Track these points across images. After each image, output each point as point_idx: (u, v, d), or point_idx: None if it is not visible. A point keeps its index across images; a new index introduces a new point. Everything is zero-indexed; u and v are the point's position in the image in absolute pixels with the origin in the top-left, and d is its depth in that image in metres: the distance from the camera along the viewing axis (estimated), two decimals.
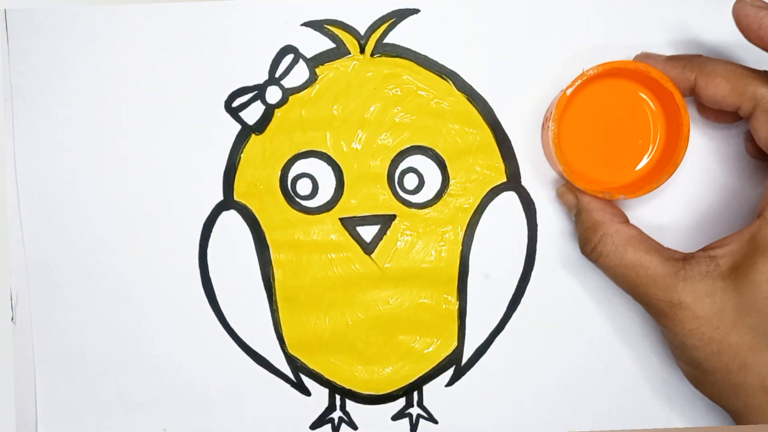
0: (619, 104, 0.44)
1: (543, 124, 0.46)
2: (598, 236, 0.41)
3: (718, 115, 0.44)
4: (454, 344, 0.48)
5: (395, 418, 0.48)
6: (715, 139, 0.46)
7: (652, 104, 0.44)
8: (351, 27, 0.47)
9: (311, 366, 0.48)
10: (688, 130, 0.41)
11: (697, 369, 0.39)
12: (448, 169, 0.47)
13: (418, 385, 0.48)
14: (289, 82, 0.47)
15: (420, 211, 0.47)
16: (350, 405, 0.48)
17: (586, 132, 0.44)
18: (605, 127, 0.44)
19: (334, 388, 0.48)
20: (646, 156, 0.44)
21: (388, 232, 0.47)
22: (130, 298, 0.48)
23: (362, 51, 0.47)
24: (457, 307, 0.47)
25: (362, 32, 0.47)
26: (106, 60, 0.47)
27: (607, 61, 0.42)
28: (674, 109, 0.42)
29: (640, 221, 0.46)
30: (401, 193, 0.47)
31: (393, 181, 0.47)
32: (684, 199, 0.46)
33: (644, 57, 0.43)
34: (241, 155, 0.47)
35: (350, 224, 0.47)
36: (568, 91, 0.42)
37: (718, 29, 0.45)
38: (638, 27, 0.46)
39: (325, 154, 0.47)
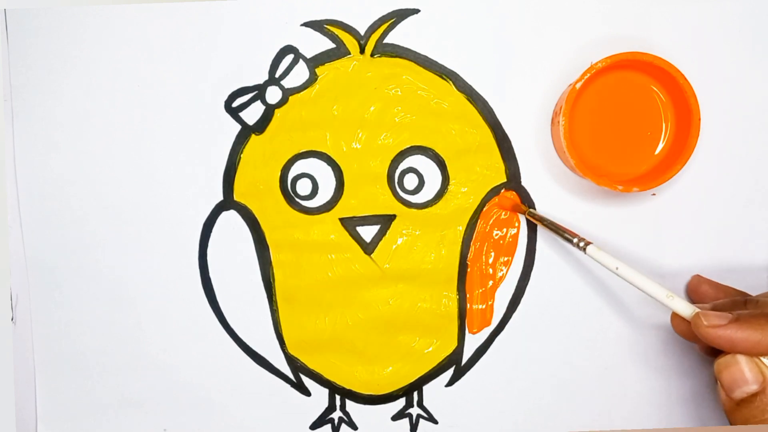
0: (629, 96, 0.44)
1: (552, 120, 0.46)
2: None
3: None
4: (454, 344, 0.48)
5: (395, 418, 0.48)
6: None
7: (661, 95, 0.44)
8: (351, 27, 0.46)
9: (311, 366, 0.48)
10: (699, 118, 0.42)
11: None
12: (448, 169, 0.47)
13: (418, 385, 0.48)
14: (289, 82, 0.47)
15: (420, 211, 0.47)
16: (350, 405, 0.48)
17: (597, 125, 0.44)
18: (615, 119, 0.44)
19: (334, 389, 0.48)
20: (657, 147, 0.44)
21: (388, 233, 0.47)
22: (130, 298, 0.48)
23: (362, 51, 0.47)
24: (456, 307, 0.47)
25: (362, 32, 0.46)
26: (105, 60, 0.47)
27: (611, 54, 0.42)
28: (684, 98, 0.42)
29: (649, 220, 0.46)
30: (401, 193, 0.47)
31: (393, 181, 0.47)
32: (688, 203, 0.46)
33: (697, 281, 0.45)
34: (241, 155, 0.47)
35: (350, 224, 0.47)
36: (578, 85, 0.42)
37: (720, 17, 0.46)
38: (637, 20, 0.46)
39: (325, 154, 0.47)
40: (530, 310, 0.47)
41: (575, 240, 0.42)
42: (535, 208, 0.47)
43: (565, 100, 0.42)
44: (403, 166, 0.47)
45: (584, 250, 0.42)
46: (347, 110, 0.47)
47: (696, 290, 0.45)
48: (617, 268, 0.40)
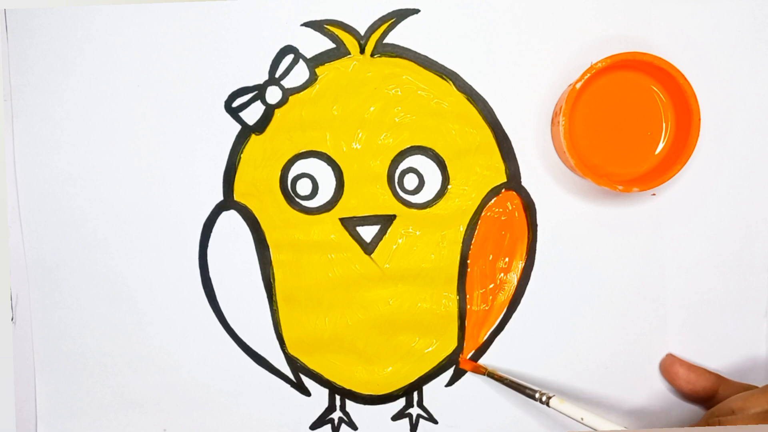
0: (629, 96, 0.44)
1: (552, 120, 0.46)
2: None
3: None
4: (454, 344, 0.48)
5: (395, 418, 0.48)
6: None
7: (661, 95, 0.44)
8: (351, 27, 0.46)
9: (311, 366, 0.48)
10: (699, 118, 0.42)
11: None
12: (448, 169, 0.47)
13: (418, 385, 0.48)
14: (289, 82, 0.47)
15: (420, 211, 0.47)
16: (350, 405, 0.48)
17: (597, 125, 0.44)
18: (615, 119, 0.44)
19: (334, 389, 0.48)
20: (657, 147, 0.44)
21: (388, 233, 0.47)
22: (130, 298, 0.48)
23: (362, 51, 0.47)
24: (456, 307, 0.47)
25: (362, 32, 0.46)
26: (105, 60, 0.47)
27: (611, 54, 0.42)
28: (684, 98, 0.42)
29: (646, 222, 0.46)
30: (401, 193, 0.47)
31: (393, 181, 0.47)
32: (687, 202, 0.46)
33: (671, 361, 0.46)
34: (241, 155, 0.47)
35: (350, 224, 0.47)
36: (578, 85, 0.42)
37: (720, 17, 0.46)
38: (637, 20, 0.46)
39: (325, 154, 0.47)
40: (530, 310, 0.47)
41: (537, 395, 0.43)
42: (535, 209, 0.47)
43: (565, 100, 0.42)
44: (403, 166, 0.47)
45: (547, 403, 0.43)
46: (347, 110, 0.47)
47: (668, 370, 0.45)
48: (582, 419, 0.41)
